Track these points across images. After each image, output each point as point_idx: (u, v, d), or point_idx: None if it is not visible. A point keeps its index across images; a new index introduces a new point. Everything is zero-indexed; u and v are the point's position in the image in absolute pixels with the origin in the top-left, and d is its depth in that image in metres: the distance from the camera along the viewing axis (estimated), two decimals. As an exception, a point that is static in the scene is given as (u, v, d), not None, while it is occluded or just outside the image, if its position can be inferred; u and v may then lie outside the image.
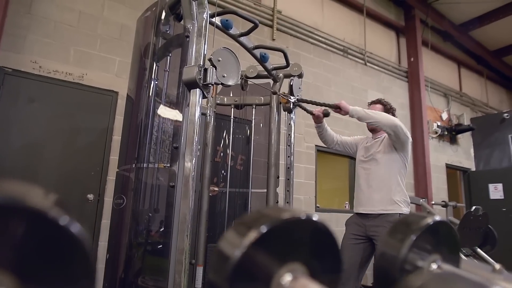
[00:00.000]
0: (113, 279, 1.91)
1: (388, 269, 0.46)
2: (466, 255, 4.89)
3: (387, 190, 2.35)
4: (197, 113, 1.89)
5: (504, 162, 7.17)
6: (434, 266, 0.47)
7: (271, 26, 4.70)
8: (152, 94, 2.18)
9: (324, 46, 5.31)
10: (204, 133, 3.14)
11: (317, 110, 2.70)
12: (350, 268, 2.27)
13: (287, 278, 0.33)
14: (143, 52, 2.33)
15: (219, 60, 1.96)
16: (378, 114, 2.35)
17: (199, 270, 2.85)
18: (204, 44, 2.00)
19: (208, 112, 3.16)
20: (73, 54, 3.24)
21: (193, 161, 1.85)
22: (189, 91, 1.94)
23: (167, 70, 2.25)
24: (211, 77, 1.90)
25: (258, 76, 3.14)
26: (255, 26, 2.47)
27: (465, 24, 7.48)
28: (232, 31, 2.58)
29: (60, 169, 3.11)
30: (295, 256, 0.35)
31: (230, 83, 1.99)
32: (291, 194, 2.94)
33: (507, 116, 7.23)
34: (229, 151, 3.20)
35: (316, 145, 4.79)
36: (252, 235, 0.32)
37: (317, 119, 2.73)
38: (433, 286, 0.36)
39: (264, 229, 0.32)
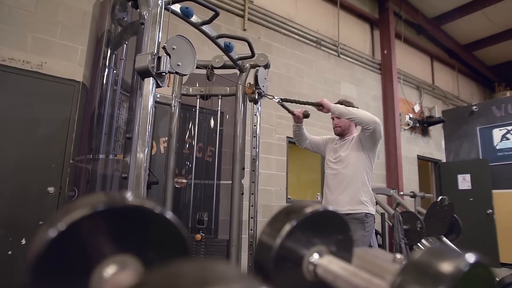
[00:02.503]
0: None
1: (263, 260, 0.44)
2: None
3: (354, 191, 2.39)
4: (150, 103, 1.85)
5: (473, 153, 7.38)
6: (315, 256, 0.45)
7: (242, 16, 4.64)
8: (107, 83, 2.11)
9: (297, 37, 5.30)
10: (169, 124, 3.09)
11: (297, 110, 2.72)
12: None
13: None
14: (99, 39, 2.25)
15: (173, 48, 1.91)
16: (358, 111, 2.43)
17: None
18: (159, 31, 1.95)
19: (173, 102, 3.10)
20: (31, 41, 3.10)
21: (145, 152, 1.81)
22: (143, 80, 1.89)
23: (123, 59, 2.19)
24: (165, 66, 1.85)
25: (225, 66, 3.10)
26: (216, 15, 2.41)
27: (438, 18, 7.60)
28: (194, 19, 2.52)
29: (19, 162, 3.00)
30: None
31: (185, 72, 1.95)
32: (256, 186, 2.93)
33: (475, 109, 7.43)
34: (194, 142, 3.15)
35: (287, 137, 4.79)
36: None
37: (298, 119, 2.75)
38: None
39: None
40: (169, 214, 0.34)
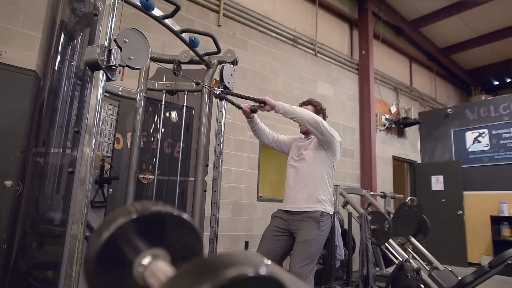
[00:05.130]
0: (6, 270, 1.81)
1: (87, 259, 0.44)
2: (400, 244, 5.11)
3: (313, 189, 2.38)
4: (99, 96, 1.80)
5: (446, 155, 7.53)
6: (147, 260, 0.44)
7: (217, 12, 4.59)
8: (58, 74, 2.05)
9: (274, 34, 5.28)
10: (134, 119, 3.04)
11: (245, 105, 2.60)
12: (265, 257, 2.28)
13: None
14: (53, 28, 2.19)
15: (125, 41, 1.87)
16: (302, 111, 2.35)
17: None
18: (111, 23, 1.90)
19: (138, 97, 3.05)
20: (-10, 29, 3.00)
21: (92, 146, 1.77)
22: (93, 73, 1.84)
23: (77, 50, 2.13)
24: (115, 59, 1.81)
25: (192, 62, 3.05)
26: (178, 8, 2.37)
27: (416, 21, 7.70)
28: (156, 13, 2.47)
29: (-26, 153, 2.90)
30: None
31: (137, 65, 1.91)
32: (219, 183, 2.90)
33: (450, 111, 7.57)
34: (159, 138, 3.11)
35: (260, 134, 4.78)
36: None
37: (246, 114, 2.66)
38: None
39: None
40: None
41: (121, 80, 1.99)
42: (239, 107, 2.66)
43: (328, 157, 2.46)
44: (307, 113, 2.32)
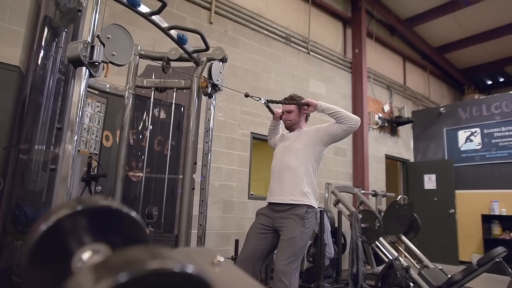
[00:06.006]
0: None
1: (23, 252, 0.44)
2: (392, 242, 5.13)
3: (298, 181, 2.38)
4: (82, 92, 1.79)
5: (439, 154, 7.56)
6: (85, 256, 0.43)
7: (209, 9, 4.57)
8: (42, 70, 2.03)
9: (266, 32, 5.26)
10: (122, 116, 3.03)
11: (278, 110, 2.83)
12: (251, 255, 2.28)
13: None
14: (37, 24, 2.17)
15: (108, 37, 1.85)
16: (341, 109, 2.52)
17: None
18: (95, 19, 1.88)
19: (126, 94, 3.03)
20: (-24, 25, 2.97)
21: (74, 143, 1.75)
22: (75, 69, 1.83)
23: (61, 46, 2.11)
24: (98, 55, 1.80)
25: (181, 59, 3.04)
26: (164, 5, 2.35)
27: (410, 20, 7.71)
28: (143, 10, 2.45)
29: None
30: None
31: (121, 62, 1.90)
32: (207, 180, 2.90)
33: (443, 110, 7.59)
34: (147, 135, 3.09)
35: (252, 133, 4.78)
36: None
37: (276, 118, 2.87)
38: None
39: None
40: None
41: (105, 76, 1.97)
42: (272, 112, 2.89)
43: (318, 151, 2.48)
44: (345, 111, 2.52)
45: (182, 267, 0.30)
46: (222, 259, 0.51)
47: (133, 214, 0.44)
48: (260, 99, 2.74)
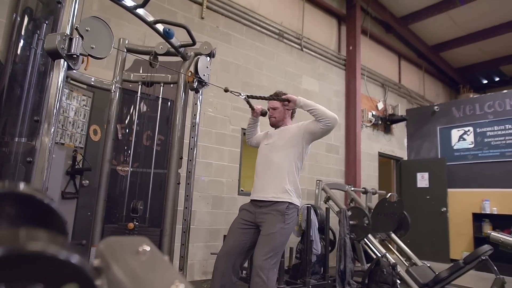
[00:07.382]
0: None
1: None
2: (382, 240, 5.15)
3: (281, 178, 2.38)
4: (59, 85, 1.78)
5: (432, 152, 7.57)
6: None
7: (200, 4, 4.54)
8: (20, 61, 2.02)
9: (259, 28, 5.24)
10: (108, 110, 3.01)
11: (258, 108, 2.84)
12: (231, 250, 2.29)
13: None
14: (17, 14, 2.15)
15: (87, 30, 1.84)
16: (319, 105, 2.47)
17: (94, 251, 2.76)
18: (74, 11, 1.87)
19: (113, 88, 3.02)
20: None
21: (51, 135, 1.75)
22: (54, 61, 1.82)
23: (42, 39, 2.10)
24: (77, 47, 1.79)
25: (169, 54, 3.02)
26: (148, -2, 2.34)
27: (405, 18, 7.70)
28: (128, 3, 2.43)
29: None
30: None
31: (100, 55, 1.88)
32: (192, 175, 2.90)
33: (437, 109, 7.60)
34: (134, 129, 3.08)
35: (242, 128, 4.77)
36: None
37: (256, 115, 2.86)
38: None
39: None
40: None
41: (85, 69, 1.96)
42: (252, 108, 2.85)
43: (301, 149, 2.47)
44: (324, 108, 2.45)
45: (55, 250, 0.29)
46: (148, 248, 0.50)
47: (54, 205, 0.43)
48: (240, 94, 2.69)
